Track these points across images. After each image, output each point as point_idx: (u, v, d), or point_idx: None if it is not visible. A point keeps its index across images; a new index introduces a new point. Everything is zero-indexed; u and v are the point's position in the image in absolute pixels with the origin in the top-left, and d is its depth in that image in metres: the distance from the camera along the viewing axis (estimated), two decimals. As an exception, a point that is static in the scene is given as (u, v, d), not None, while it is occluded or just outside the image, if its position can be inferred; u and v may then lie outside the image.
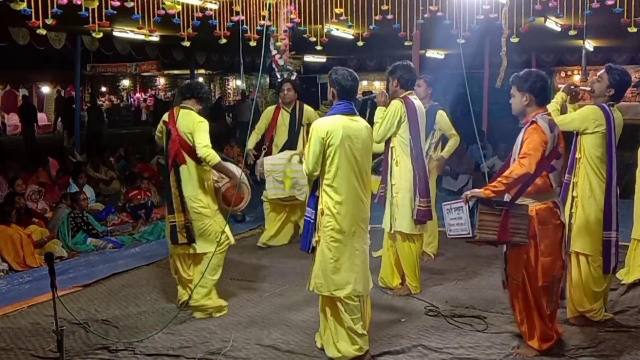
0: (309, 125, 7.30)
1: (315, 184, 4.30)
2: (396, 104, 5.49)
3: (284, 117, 7.39)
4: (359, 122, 4.31)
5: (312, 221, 4.31)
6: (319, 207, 4.25)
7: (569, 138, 4.92)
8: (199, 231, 5.14)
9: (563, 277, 4.40)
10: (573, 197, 4.83)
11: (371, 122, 6.40)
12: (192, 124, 5.05)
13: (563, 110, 5.01)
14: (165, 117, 5.29)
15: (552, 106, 4.85)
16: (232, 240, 5.31)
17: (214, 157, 4.98)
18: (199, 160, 5.06)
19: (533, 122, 4.14)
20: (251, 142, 7.41)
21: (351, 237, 4.21)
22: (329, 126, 4.18)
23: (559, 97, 4.92)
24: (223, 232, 5.19)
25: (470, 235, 4.10)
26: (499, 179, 4.09)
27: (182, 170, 5.11)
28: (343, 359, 4.25)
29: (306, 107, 7.56)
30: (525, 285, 4.24)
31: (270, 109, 7.62)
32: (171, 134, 5.13)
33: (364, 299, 4.35)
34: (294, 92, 7.42)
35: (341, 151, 4.15)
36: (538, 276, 4.17)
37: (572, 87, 4.96)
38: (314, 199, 4.31)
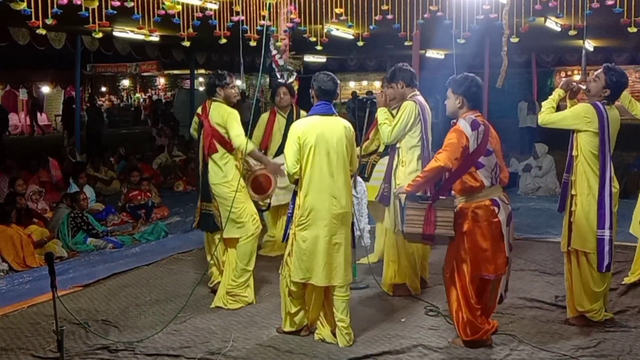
0: None
1: (296, 182, 4.61)
2: (410, 105, 5.51)
3: (280, 123, 7.09)
4: (336, 122, 4.59)
5: (290, 215, 4.71)
6: (296, 202, 4.57)
7: (567, 136, 4.93)
8: (233, 215, 5.32)
9: (506, 274, 4.51)
10: (572, 195, 4.82)
11: (370, 122, 6.45)
12: (224, 116, 5.35)
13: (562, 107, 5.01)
14: (199, 110, 5.59)
15: (548, 103, 4.89)
16: (260, 225, 5.55)
17: (247, 145, 5.26)
18: (230, 149, 5.36)
19: (454, 123, 4.43)
20: None
21: (320, 232, 4.47)
22: (304, 127, 4.51)
23: (555, 94, 4.93)
24: (253, 217, 5.45)
25: (401, 229, 4.45)
26: (418, 178, 4.44)
27: (214, 159, 5.38)
28: (283, 328, 4.78)
29: (302, 112, 7.19)
30: (454, 278, 4.47)
31: (265, 116, 7.33)
32: (204, 125, 5.41)
33: (321, 289, 4.61)
34: (290, 96, 7.22)
35: (315, 150, 4.45)
36: (467, 271, 4.37)
37: (571, 84, 4.97)
38: (295, 195, 4.65)
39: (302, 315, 4.74)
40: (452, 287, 4.50)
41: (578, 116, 4.73)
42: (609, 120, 4.68)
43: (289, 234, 4.67)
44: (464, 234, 4.37)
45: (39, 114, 24.61)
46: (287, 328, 4.76)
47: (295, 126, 4.59)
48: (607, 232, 4.70)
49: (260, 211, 5.93)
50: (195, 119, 5.66)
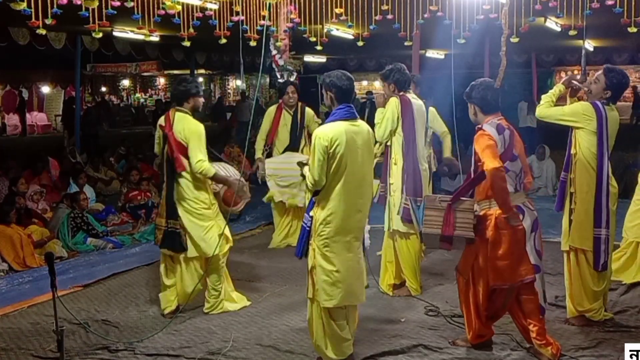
0: (308, 127, 7.31)
1: (315, 191, 4.19)
2: (393, 101, 5.54)
3: (286, 119, 7.29)
4: (361, 127, 4.19)
5: (308, 228, 4.23)
6: (316, 214, 4.16)
7: (565, 134, 4.92)
8: (202, 233, 5.09)
9: (540, 284, 4.32)
10: (571, 194, 4.83)
11: (371, 122, 6.45)
12: (187, 131, 4.98)
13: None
14: (162, 120, 5.18)
15: (548, 97, 4.88)
16: (231, 242, 5.34)
17: (208, 170, 4.96)
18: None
19: (479, 129, 4.24)
20: (259, 149, 7.36)
21: (345, 247, 4.14)
22: (332, 134, 4.02)
23: (557, 89, 4.93)
24: (222, 234, 5.17)
25: (419, 230, 4.28)
26: (495, 197, 4.11)
27: (182, 174, 5.04)
28: None
29: (307, 109, 7.48)
30: (469, 286, 4.36)
31: (272, 109, 7.49)
32: (168, 138, 5.06)
33: (351, 307, 4.31)
34: (298, 94, 7.41)
35: (345, 160, 4.03)
36: (487, 278, 4.23)
37: (573, 81, 4.97)
38: (312, 205, 4.24)
39: (350, 342, 4.27)
40: (466, 294, 4.40)
41: (577, 114, 4.73)
42: (607, 120, 4.68)
43: (306, 249, 4.26)
44: (486, 242, 4.19)
45: (28, 114, 24.51)
46: (338, 356, 4.21)
47: (321, 135, 4.03)
48: (603, 231, 4.71)
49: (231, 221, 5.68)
50: (158, 132, 5.23)
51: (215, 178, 5.07)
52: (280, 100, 7.53)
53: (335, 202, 4.07)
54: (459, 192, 4.29)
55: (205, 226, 5.10)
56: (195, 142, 4.96)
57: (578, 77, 5.21)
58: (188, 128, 4.99)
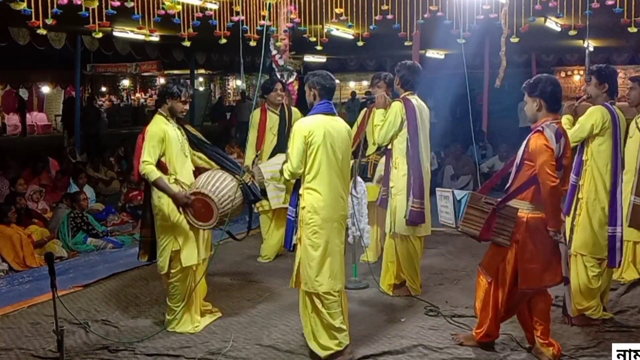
0: None
1: (297, 183, 4.43)
2: (397, 105, 5.52)
3: (272, 121, 6.80)
4: (340, 122, 4.46)
5: (293, 219, 4.44)
6: (301, 204, 4.34)
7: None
8: (159, 247, 4.81)
9: (565, 284, 4.34)
10: (578, 199, 4.90)
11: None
12: (147, 131, 4.73)
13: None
14: None
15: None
16: (189, 262, 4.79)
17: (150, 174, 4.61)
18: (163, 169, 4.72)
19: (538, 130, 4.13)
20: (249, 157, 6.73)
21: (331, 234, 4.31)
22: (311, 125, 4.32)
23: (565, 119, 4.96)
24: (178, 252, 4.76)
25: (454, 225, 4.23)
26: (548, 212, 4.07)
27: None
28: (324, 353, 4.31)
29: (294, 109, 7.10)
30: (491, 286, 4.31)
31: (256, 114, 6.85)
32: (137, 141, 4.85)
33: (342, 294, 4.41)
34: (286, 93, 7.04)
35: (323, 149, 4.27)
36: (513, 280, 4.20)
37: (574, 106, 5.06)
38: (295, 197, 4.43)
39: (346, 332, 4.33)
40: (487, 293, 4.34)
41: (595, 118, 4.77)
42: (619, 119, 4.81)
43: (294, 241, 4.41)
44: (516, 243, 4.16)
45: (28, 114, 24.48)
46: (334, 346, 4.28)
47: (301, 125, 4.34)
48: (618, 229, 4.79)
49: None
50: None
51: (156, 185, 4.66)
52: (264, 102, 6.98)
53: (319, 190, 4.28)
54: (507, 197, 4.19)
55: (161, 238, 4.78)
56: (146, 142, 4.68)
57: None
58: (149, 126, 4.77)
